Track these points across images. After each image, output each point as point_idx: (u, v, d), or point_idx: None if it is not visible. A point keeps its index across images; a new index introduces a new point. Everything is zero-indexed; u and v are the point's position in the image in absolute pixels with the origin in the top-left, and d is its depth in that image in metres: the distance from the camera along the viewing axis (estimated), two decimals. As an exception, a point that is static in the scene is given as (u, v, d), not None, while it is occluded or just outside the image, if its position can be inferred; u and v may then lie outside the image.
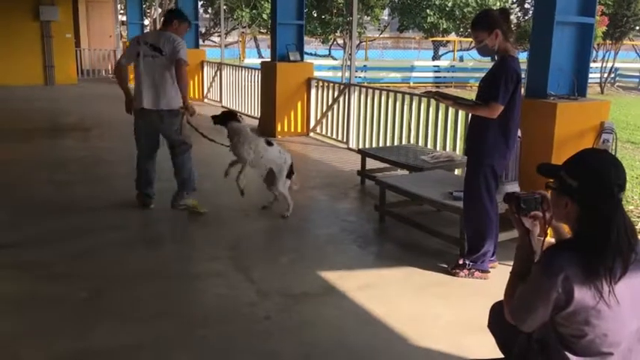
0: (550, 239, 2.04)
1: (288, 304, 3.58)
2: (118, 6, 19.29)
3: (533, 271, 1.83)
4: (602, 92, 20.49)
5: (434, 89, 14.40)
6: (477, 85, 4.02)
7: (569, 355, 1.81)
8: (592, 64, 5.16)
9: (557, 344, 1.83)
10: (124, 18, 19.69)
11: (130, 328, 3.27)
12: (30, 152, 7.74)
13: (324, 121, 8.93)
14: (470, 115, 4.16)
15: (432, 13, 22.58)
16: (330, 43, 25.19)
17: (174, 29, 5.32)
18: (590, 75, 5.08)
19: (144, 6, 19.22)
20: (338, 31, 22.71)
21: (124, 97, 5.31)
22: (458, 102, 4.03)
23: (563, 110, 4.53)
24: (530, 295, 1.81)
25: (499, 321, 2.16)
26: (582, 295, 1.71)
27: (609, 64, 21.53)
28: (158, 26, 19.00)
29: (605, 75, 21.52)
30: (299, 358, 3.02)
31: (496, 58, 3.88)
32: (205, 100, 13.18)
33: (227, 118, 5.27)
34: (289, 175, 5.29)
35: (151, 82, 5.11)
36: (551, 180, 1.89)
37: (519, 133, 4.16)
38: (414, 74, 22.86)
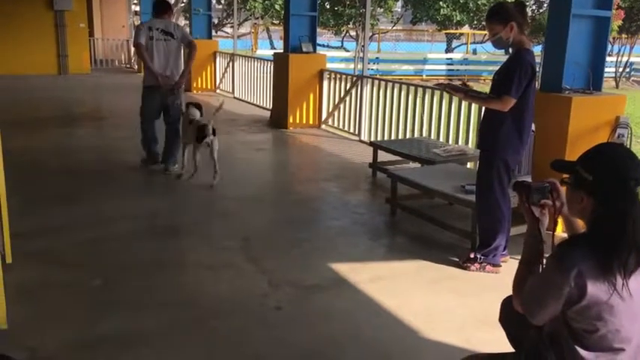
0: (561, 234, 2.03)
1: (300, 296, 3.60)
2: (132, -4, 19.35)
3: (546, 264, 1.82)
4: (617, 87, 20.29)
5: (446, 81, 14.32)
6: (490, 78, 4.00)
7: (581, 350, 1.80)
8: (607, 58, 5.09)
9: (568, 339, 1.82)
10: (137, 8, 19.72)
11: (142, 316, 3.30)
12: (43, 141, 7.80)
13: (336, 113, 8.92)
14: (483, 108, 4.14)
15: (445, 6, 22.40)
16: (342, 35, 25.09)
17: (169, 17, 6.45)
18: (605, 69, 5.04)
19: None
20: (350, 23, 22.60)
21: (153, 71, 6.10)
22: (469, 94, 4.01)
23: (578, 104, 4.49)
24: (542, 289, 1.80)
25: (510, 315, 2.16)
26: (595, 290, 1.70)
27: (624, 59, 21.31)
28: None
29: (621, 69, 21.31)
30: (310, 349, 3.03)
31: (511, 51, 3.85)
32: (217, 91, 13.20)
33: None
34: (199, 139, 5.70)
35: (165, 61, 6.17)
36: (566, 176, 1.88)
37: (533, 127, 4.13)
38: (427, 67, 22.76)
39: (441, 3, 22.38)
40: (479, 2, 22.14)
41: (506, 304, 2.24)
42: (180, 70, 6.25)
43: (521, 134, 3.77)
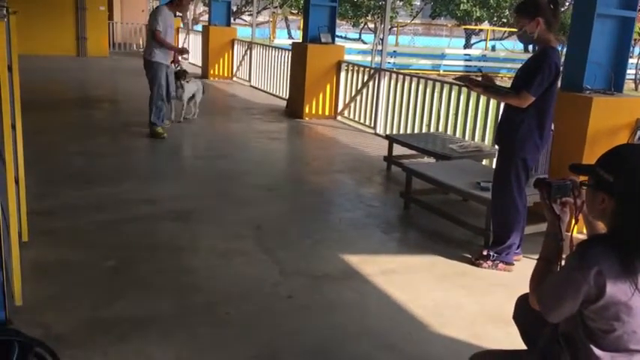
0: (578, 235, 2.02)
1: (311, 286, 3.61)
2: (152, -19, 19.40)
3: (566, 262, 1.82)
4: (636, 89, 20.08)
5: (465, 75, 14.20)
6: (509, 75, 3.97)
7: (596, 350, 1.79)
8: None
9: (583, 338, 1.82)
10: (157, -7, 19.77)
11: (154, 299, 3.33)
12: (60, 122, 7.86)
13: (352, 105, 8.90)
14: (503, 105, 4.11)
15: (465, 1, 22.25)
16: (360, 27, 25.00)
17: (168, 6, 6.99)
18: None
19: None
20: (369, 15, 22.51)
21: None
22: (488, 89, 3.98)
23: (598, 105, 4.45)
24: (561, 287, 1.80)
25: (525, 313, 2.16)
26: (614, 290, 1.70)
27: (645, 61, 21.03)
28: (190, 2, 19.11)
29: (640, 71, 21.05)
30: (319, 339, 3.04)
31: (531, 48, 3.83)
32: (234, 79, 13.21)
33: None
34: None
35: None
36: (586, 178, 1.87)
37: (552, 126, 4.10)
38: (445, 62, 22.64)
39: (461, -2, 22.24)
40: (500, -2, 21.96)
41: (521, 302, 2.24)
42: (148, 50, 7.13)
43: (542, 132, 3.74)
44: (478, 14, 22.73)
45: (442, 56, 22.97)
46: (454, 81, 6.73)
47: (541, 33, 3.64)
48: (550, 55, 3.61)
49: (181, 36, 16.82)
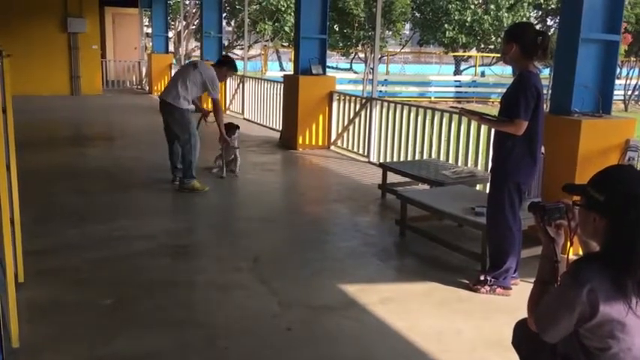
0: (573, 257, 2.05)
1: (310, 317, 3.60)
2: (144, 19, 19.62)
3: (560, 281, 1.85)
4: (625, 109, 20.31)
5: (459, 105, 14.38)
6: (498, 100, 4.04)
7: (594, 369, 1.80)
8: (616, 81, 5.14)
9: (581, 358, 1.83)
10: (149, 30, 20.02)
11: (153, 336, 3.31)
12: (55, 161, 7.88)
13: (345, 134, 8.97)
14: (493, 131, 4.16)
15: (450, 28, 22.60)
16: (351, 57, 25.31)
17: (224, 73, 6.53)
18: (614, 92, 5.06)
19: (168, 18, 19.53)
20: (359, 45, 22.82)
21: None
22: (484, 118, 4.05)
23: (587, 127, 4.51)
24: (555, 305, 1.82)
25: (523, 338, 2.16)
26: (608, 308, 1.72)
27: (633, 81, 21.34)
28: (182, 38, 19.28)
29: (629, 92, 21.33)
30: (320, 371, 3.03)
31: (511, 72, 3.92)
32: (227, 112, 13.29)
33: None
34: None
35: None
36: (577, 198, 1.91)
37: (542, 149, 4.15)
38: (435, 89, 22.89)
39: (446, 26, 22.58)
40: (483, 26, 22.32)
41: (519, 327, 2.24)
42: (176, 99, 6.31)
43: (534, 156, 3.79)
44: (464, 41, 23.06)
45: (432, 83, 23.23)
46: (447, 108, 6.81)
47: (515, 58, 3.75)
48: (527, 77, 3.70)
49: (174, 72, 16.97)
